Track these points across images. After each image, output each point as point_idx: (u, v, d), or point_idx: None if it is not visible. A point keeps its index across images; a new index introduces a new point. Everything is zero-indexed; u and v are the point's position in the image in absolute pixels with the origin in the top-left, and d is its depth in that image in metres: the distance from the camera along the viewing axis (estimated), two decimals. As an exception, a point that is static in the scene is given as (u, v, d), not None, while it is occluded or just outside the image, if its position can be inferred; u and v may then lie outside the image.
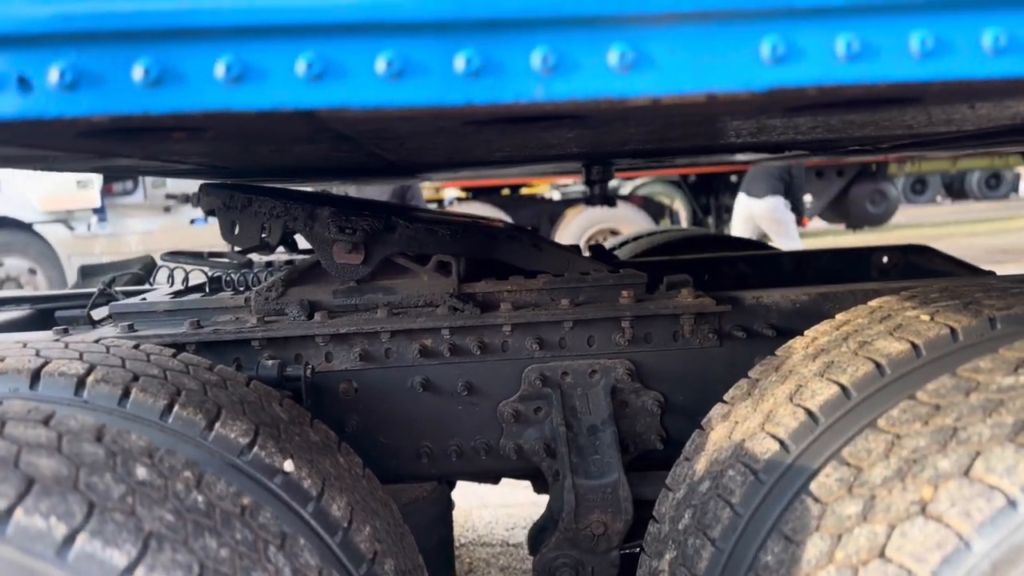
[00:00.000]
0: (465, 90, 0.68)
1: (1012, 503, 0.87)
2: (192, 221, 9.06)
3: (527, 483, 2.10)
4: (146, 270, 3.33)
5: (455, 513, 2.44)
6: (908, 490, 0.97)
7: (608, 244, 3.70)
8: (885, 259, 2.93)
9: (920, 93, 0.80)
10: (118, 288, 2.23)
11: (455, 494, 2.32)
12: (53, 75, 0.65)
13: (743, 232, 7.83)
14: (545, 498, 1.95)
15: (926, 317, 1.35)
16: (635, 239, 3.58)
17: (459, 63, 0.68)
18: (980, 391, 1.06)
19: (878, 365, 1.28)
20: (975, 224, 15.28)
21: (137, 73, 0.65)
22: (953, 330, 1.28)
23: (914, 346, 1.28)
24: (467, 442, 1.78)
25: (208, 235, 8.06)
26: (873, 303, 1.55)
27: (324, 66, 0.67)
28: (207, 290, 2.09)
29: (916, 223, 15.58)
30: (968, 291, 1.45)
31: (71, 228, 8.57)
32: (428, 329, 1.72)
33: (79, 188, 8.24)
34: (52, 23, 0.64)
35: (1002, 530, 0.86)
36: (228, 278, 2.02)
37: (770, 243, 7.00)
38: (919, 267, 2.87)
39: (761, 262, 3.01)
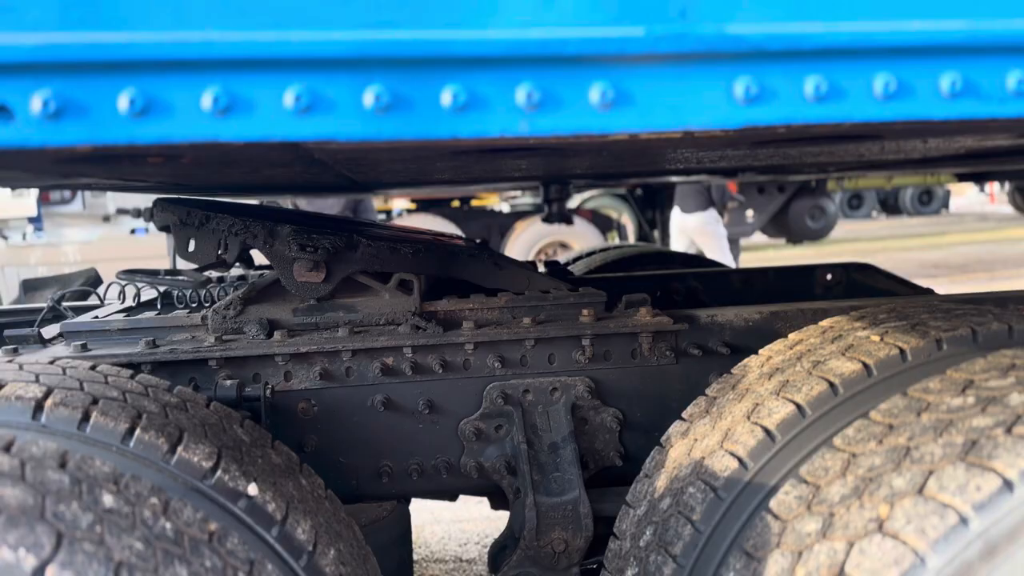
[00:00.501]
0: (451, 124, 0.69)
1: (964, 520, 0.91)
2: (133, 231, 8.82)
3: (480, 498, 2.11)
4: (90, 284, 3.24)
5: (409, 529, 2.44)
6: (865, 508, 1.01)
7: (562, 259, 3.74)
8: (829, 276, 3.03)
9: (881, 131, 0.84)
10: (66, 304, 2.17)
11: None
12: (36, 104, 0.64)
13: (679, 245, 8.08)
14: (499, 513, 1.96)
15: (876, 337, 1.41)
16: (589, 255, 3.63)
17: (446, 98, 0.69)
18: (931, 411, 1.11)
19: (831, 384, 1.33)
20: (908, 239, 15.83)
21: (122, 103, 0.64)
22: (902, 350, 1.34)
23: (865, 366, 1.33)
24: (428, 461, 1.78)
25: (150, 245, 7.86)
26: (824, 323, 1.61)
27: (312, 99, 0.67)
28: (159, 306, 2.05)
29: (853, 237, 16.07)
30: (914, 312, 1.52)
31: (5, 238, 8.28)
32: (390, 348, 1.72)
33: (14, 197, 7.97)
34: (36, 52, 0.63)
35: (955, 546, 0.90)
36: (181, 294, 1.99)
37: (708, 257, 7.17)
38: (861, 284, 2.98)
39: (711, 279, 3.08)
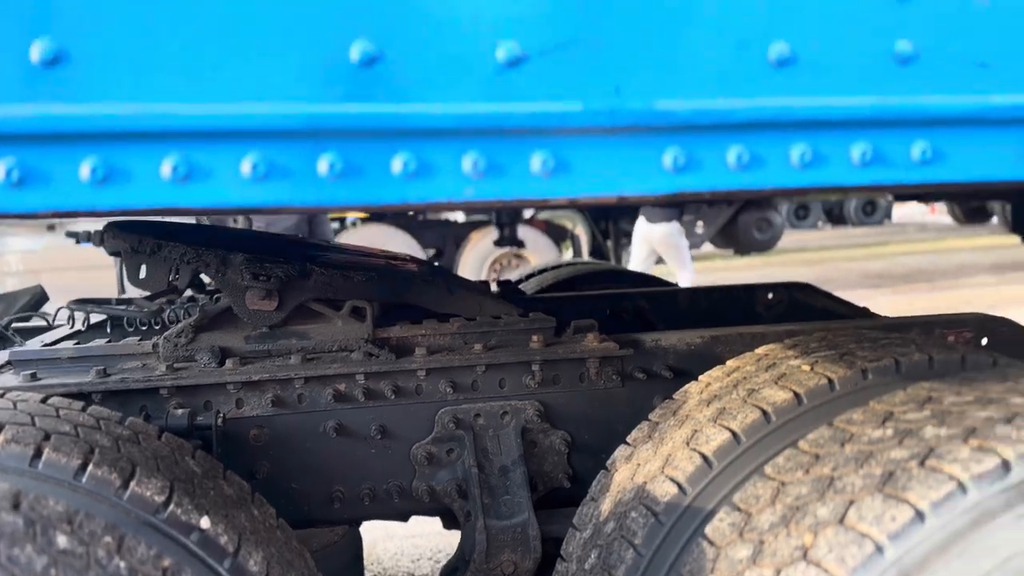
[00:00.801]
0: (401, 190, 0.74)
1: (879, 549, 0.98)
2: (77, 240, 8.63)
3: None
4: (36, 301, 3.19)
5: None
6: (792, 536, 1.08)
7: (515, 275, 3.79)
8: (771, 295, 3.14)
9: (799, 193, 0.91)
10: (12, 326, 2.15)
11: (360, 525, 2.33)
12: (-1, 173, 0.66)
13: (640, 254, 8.25)
14: (452, 531, 1.99)
15: (807, 367, 1.48)
16: (541, 272, 3.69)
17: (396, 165, 0.74)
18: (854, 442, 1.18)
19: (764, 412, 1.40)
20: (853, 249, 16.26)
21: (84, 172, 0.67)
22: (831, 380, 1.42)
23: (796, 395, 1.41)
24: (380, 485, 1.81)
25: (96, 254, 7.70)
26: (760, 350, 1.69)
27: (269, 167, 0.71)
28: (109, 330, 2.04)
29: (800, 247, 16.45)
30: (844, 340, 1.60)
31: (-57, 247, 8.03)
32: (342, 375, 1.75)
33: (-48, 204, 7.72)
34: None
35: (871, 574, 0.97)
36: (131, 319, 1.99)
37: (659, 274, 7.33)
38: (802, 304, 3.09)
39: (659, 298, 3.16)
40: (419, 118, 0.72)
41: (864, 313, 2.75)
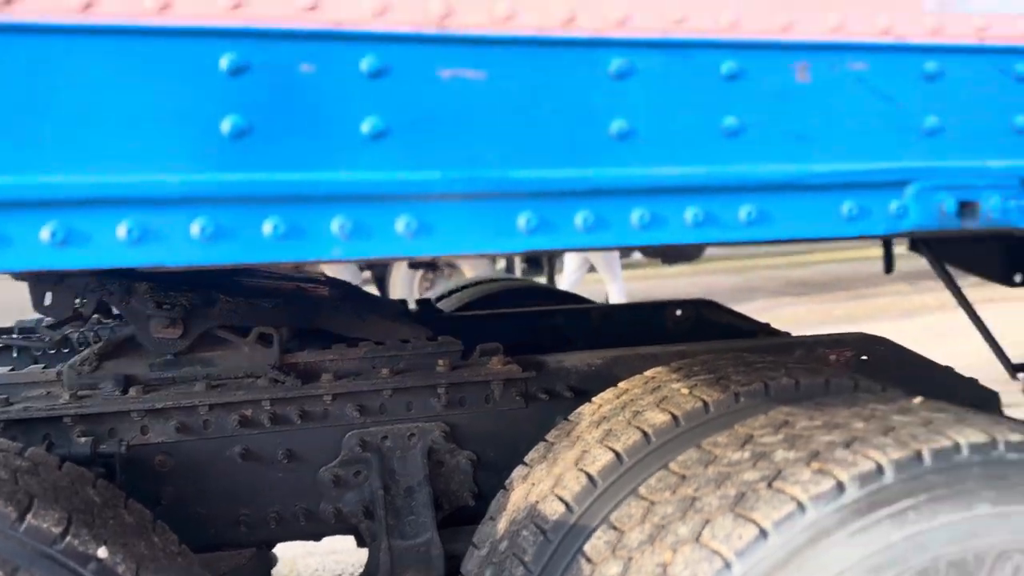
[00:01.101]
0: (272, 250, 0.80)
1: (727, 565, 1.08)
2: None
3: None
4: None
5: (280, 561, 2.48)
6: (655, 554, 1.18)
7: (436, 292, 3.86)
8: (679, 312, 3.28)
9: (697, 250, 1.00)
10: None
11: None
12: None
13: (573, 264, 8.37)
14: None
15: (686, 390, 1.59)
16: (462, 288, 3.76)
17: (267, 228, 0.80)
18: (715, 464, 1.29)
19: (645, 434, 1.50)
20: (779, 257, 16.76)
21: (44, 235, 0.72)
22: (706, 403, 1.52)
23: (674, 417, 1.51)
24: (287, 508, 1.85)
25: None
26: (649, 372, 1.79)
27: (143, 231, 0.77)
28: (15, 354, 2.03)
29: (727, 256, 16.88)
30: (723, 364, 1.72)
31: None
32: (248, 401, 1.78)
33: None
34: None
35: (718, 589, 1.07)
36: (36, 347, 1.98)
37: (591, 283, 7.47)
38: (707, 321, 3.24)
39: (574, 316, 3.27)
40: (288, 185, 0.78)
41: (765, 329, 2.90)
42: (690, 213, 0.89)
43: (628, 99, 0.84)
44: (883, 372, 2.17)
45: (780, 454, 1.23)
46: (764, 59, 0.88)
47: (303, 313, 1.96)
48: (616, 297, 8.36)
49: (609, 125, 0.85)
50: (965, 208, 0.95)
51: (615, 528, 1.31)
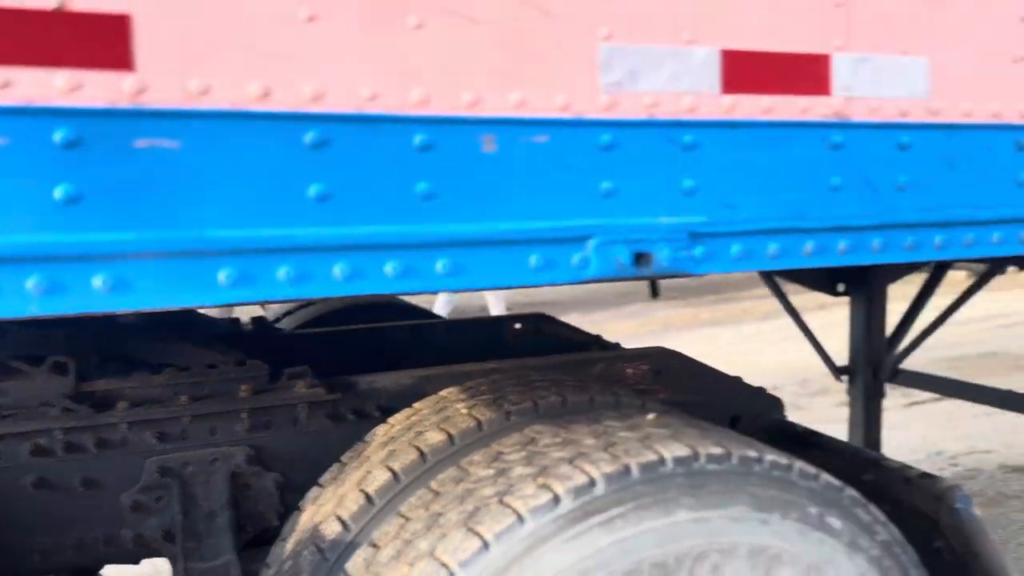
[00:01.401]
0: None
1: (451, 575, 1.19)
2: None
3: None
4: None
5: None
6: (398, 568, 1.27)
7: (284, 309, 3.86)
8: (518, 326, 3.42)
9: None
10: None
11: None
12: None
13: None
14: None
15: (465, 410, 1.70)
16: (307, 304, 3.78)
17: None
18: (466, 481, 1.40)
19: (422, 453, 1.59)
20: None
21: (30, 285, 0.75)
22: (479, 422, 1.63)
23: (450, 436, 1.61)
24: (86, 535, 1.85)
25: None
26: (442, 392, 1.90)
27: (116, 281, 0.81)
28: None
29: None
30: (506, 382, 1.84)
31: None
32: (40, 430, 1.78)
33: None
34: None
35: (442, 600, 1.17)
36: None
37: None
38: (545, 334, 3.39)
39: (420, 331, 3.35)
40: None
41: (597, 341, 3.08)
42: (390, 267, 0.99)
43: (325, 166, 0.94)
44: (677, 384, 2.36)
45: (518, 470, 1.34)
46: (453, 132, 1.00)
47: (102, 341, 1.96)
48: (495, 310, 8.51)
49: (307, 189, 0.94)
50: (640, 258, 1.09)
51: (374, 545, 1.40)
